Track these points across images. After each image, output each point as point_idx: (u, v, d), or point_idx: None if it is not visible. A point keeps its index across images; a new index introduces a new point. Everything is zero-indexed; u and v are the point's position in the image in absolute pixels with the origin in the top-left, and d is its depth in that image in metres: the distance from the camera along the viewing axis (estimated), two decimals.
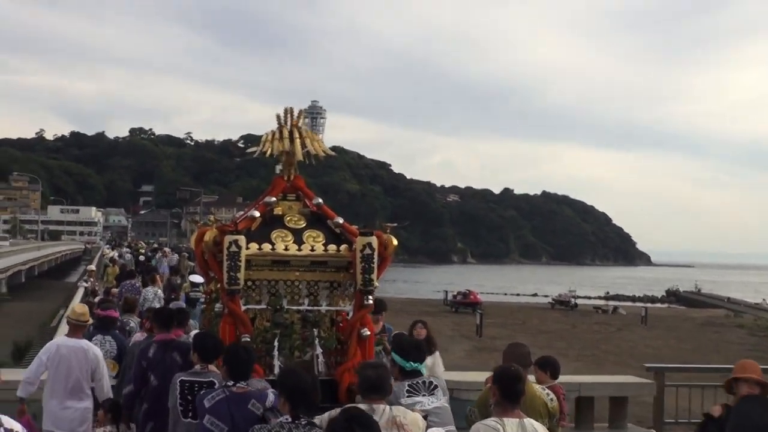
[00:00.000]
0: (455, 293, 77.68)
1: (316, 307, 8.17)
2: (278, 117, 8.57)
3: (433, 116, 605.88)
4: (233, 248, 7.70)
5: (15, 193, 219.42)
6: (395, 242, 8.32)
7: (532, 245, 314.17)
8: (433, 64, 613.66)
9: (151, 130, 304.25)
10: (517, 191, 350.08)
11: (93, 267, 31.71)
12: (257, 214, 8.21)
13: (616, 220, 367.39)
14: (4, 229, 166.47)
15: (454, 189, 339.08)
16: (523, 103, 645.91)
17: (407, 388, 7.05)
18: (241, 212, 8.69)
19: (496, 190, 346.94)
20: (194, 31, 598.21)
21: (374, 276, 8.02)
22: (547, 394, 7.16)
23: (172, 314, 9.38)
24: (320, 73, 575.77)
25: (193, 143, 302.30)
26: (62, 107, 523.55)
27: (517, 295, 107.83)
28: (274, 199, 8.38)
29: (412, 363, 7.20)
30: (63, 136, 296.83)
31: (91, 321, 11.12)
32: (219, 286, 8.10)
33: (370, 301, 8.12)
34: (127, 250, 54.65)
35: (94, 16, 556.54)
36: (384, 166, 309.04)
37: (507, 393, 5.90)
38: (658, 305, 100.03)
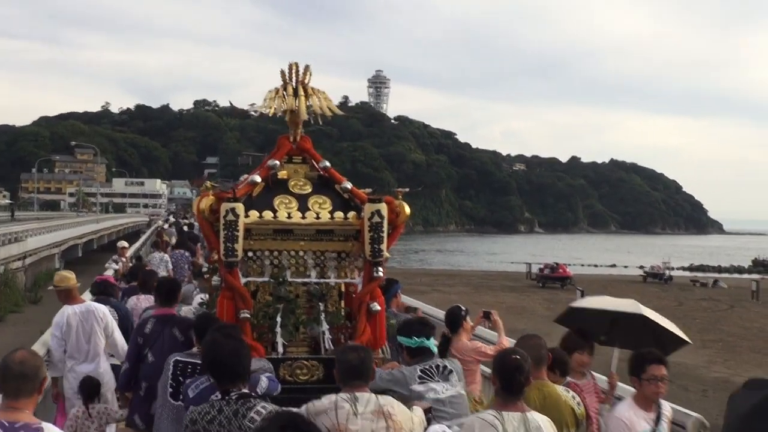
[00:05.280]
0: (542, 266, 73.80)
1: (322, 280, 7.52)
2: (282, 73, 7.89)
3: (497, 85, 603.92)
4: (230, 217, 7.15)
5: (80, 166, 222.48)
6: (408, 210, 7.66)
7: (600, 214, 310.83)
8: (495, 33, 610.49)
9: (215, 102, 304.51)
10: (585, 159, 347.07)
11: (125, 243, 23.09)
12: (258, 178, 7.57)
13: (687, 188, 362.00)
14: (70, 202, 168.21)
15: (521, 158, 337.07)
16: (588, 71, 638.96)
17: (419, 373, 6.38)
18: (244, 176, 7.99)
19: (563, 159, 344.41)
20: (255, 4, 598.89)
21: (383, 246, 7.37)
22: (573, 398, 6.11)
23: (176, 287, 8.76)
24: (383, 44, 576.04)
25: (257, 114, 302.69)
26: (127, 81, 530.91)
27: (595, 266, 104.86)
28: (277, 162, 7.77)
29: (416, 338, 6.52)
30: (128, 109, 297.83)
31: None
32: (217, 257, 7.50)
33: (380, 274, 7.46)
34: (172, 220, 54.17)
35: None
36: (449, 136, 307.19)
37: (506, 384, 5.17)
38: (748, 276, 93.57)
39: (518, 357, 5.20)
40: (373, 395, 5.34)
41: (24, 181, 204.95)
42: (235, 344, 5.31)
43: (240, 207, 7.17)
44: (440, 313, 11.72)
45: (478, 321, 9.05)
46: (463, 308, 8.83)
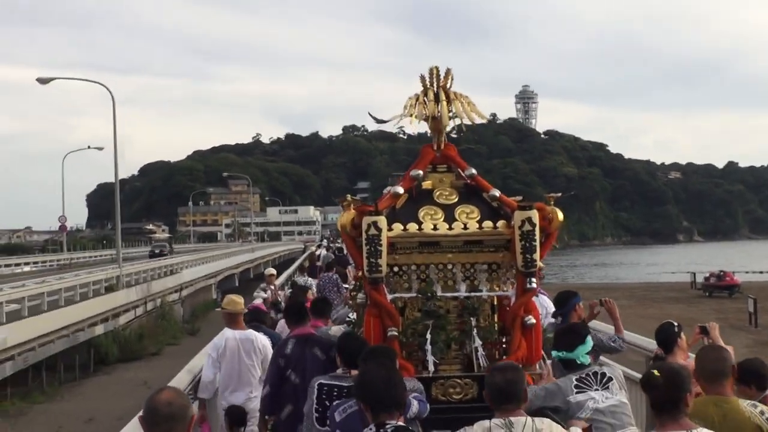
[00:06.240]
0: (707, 275, 69.87)
1: (473, 293, 7.11)
2: (422, 78, 7.52)
3: (647, 94, 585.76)
4: (372, 231, 6.78)
5: (235, 197, 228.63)
6: (560, 216, 7.18)
7: (762, 219, 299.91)
8: (642, 40, 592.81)
9: (363, 126, 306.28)
10: (742, 164, 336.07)
11: (273, 270, 22.29)
12: (401, 190, 7.21)
13: None
14: (226, 233, 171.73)
15: (675, 166, 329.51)
16: (740, 72, 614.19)
17: (575, 382, 6.00)
18: (387, 189, 7.66)
19: (719, 165, 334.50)
20: (396, 27, 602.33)
21: (536, 255, 6.91)
22: (761, 413, 5.26)
23: (303, 307, 8.58)
24: (529, 59, 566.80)
25: (405, 137, 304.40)
26: (276, 111, 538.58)
27: (761, 272, 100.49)
28: (420, 172, 7.35)
29: (558, 352, 6.16)
30: (279, 138, 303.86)
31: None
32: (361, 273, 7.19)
33: (534, 285, 7.03)
34: (325, 244, 54.72)
35: (297, 22, 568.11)
36: (601, 147, 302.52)
37: (654, 401, 4.63)
38: None
39: (653, 372, 4.66)
40: (529, 419, 4.92)
41: (181, 215, 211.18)
42: (388, 374, 5.01)
43: (382, 220, 6.81)
44: (633, 337, 10.83)
45: (695, 338, 8.15)
46: (675, 324, 7.97)
